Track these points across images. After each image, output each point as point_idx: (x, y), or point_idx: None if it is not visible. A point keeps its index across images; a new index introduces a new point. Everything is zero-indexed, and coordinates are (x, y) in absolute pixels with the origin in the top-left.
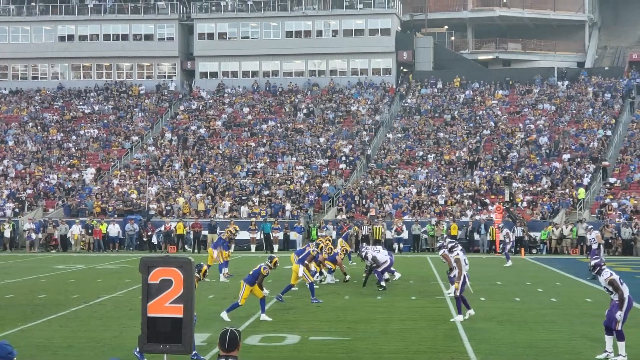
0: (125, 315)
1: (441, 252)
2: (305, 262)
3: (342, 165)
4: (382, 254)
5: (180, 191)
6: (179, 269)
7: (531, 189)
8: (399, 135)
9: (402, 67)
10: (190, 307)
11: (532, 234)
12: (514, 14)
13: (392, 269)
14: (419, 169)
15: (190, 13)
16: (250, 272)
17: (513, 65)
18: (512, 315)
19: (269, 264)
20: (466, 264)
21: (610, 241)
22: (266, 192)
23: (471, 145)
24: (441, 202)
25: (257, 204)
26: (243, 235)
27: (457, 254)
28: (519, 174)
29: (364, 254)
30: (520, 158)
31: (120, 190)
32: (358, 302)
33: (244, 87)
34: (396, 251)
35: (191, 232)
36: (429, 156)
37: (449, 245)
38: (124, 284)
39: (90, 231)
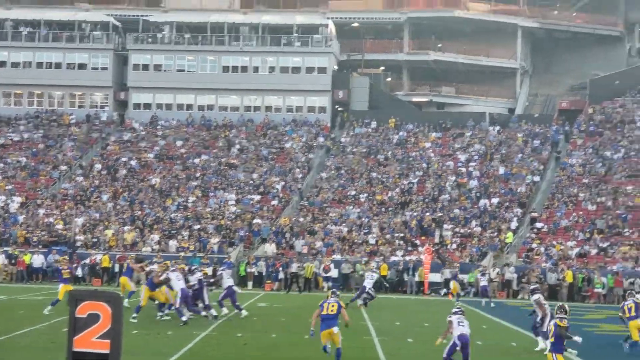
0: (47, 348)
1: (536, 297)
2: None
3: (274, 202)
4: (229, 279)
5: (107, 223)
6: (107, 304)
7: (461, 231)
8: (332, 173)
9: (337, 106)
10: (118, 342)
11: (460, 276)
12: (449, 58)
13: (238, 304)
14: (351, 207)
15: (125, 44)
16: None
17: (446, 108)
18: (439, 357)
19: None
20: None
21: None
22: (196, 227)
23: (403, 186)
24: (372, 241)
25: (186, 238)
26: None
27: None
28: (450, 216)
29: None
30: (451, 200)
31: (46, 220)
32: (285, 340)
33: (178, 120)
34: (325, 289)
35: (117, 265)
36: (361, 195)
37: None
38: (46, 316)
39: (13, 261)
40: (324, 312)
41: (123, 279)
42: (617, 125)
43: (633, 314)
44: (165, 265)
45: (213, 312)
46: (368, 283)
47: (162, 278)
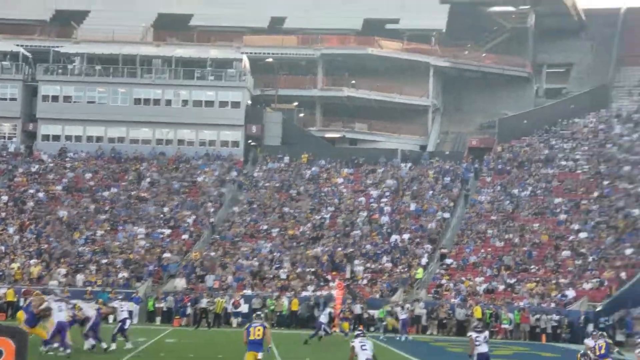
0: None
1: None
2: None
3: (185, 236)
4: (90, 310)
5: (13, 256)
6: (12, 339)
7: (372, 266)
8: (244, 207)
9: (250, 141)
10: None
11: (370, 311)
12: (362, 95)
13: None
14: (263, 242)
15: (35, 74)
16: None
17: (359, 144)
18: None
19: None
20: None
21: (444, 321)
22: (104, 261)
23: (315, 221)
24: (283, 276)
25: (93, 272)
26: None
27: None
28: (361, 251)
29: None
30: (362, 236)
31: None
32: None
33: (88, 152)
34: (234, 325)
35: (22, 299)
36: (273, 230)
37: None
38: None
39: None
40: (251, 337)
41: (20, 314)
42: (524, 163)
43: (603, 351)
44: (41, 297)
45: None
46: (323, 318)
47: (41, 308)
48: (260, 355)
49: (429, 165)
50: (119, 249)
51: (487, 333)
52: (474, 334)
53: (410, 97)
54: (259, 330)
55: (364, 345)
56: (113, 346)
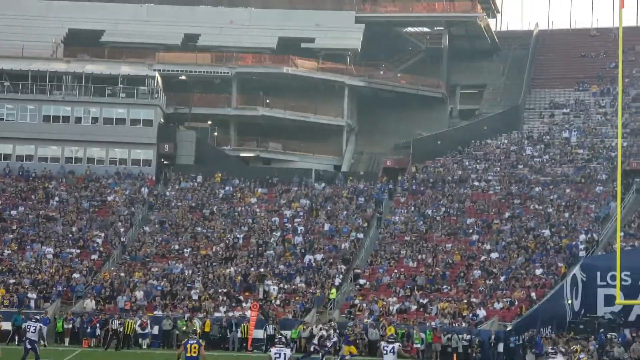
0: None
1: None
2: None
3: (94, 256)
4: None
5: None
6: None
7: (285, 287)
8: (156, 227)
9: (162, 159)
10: None
11: (283, 332)
12: (276, 114)
13: None
14: (174, 262)
15: None
16: None
17: (273, 164)
18: None
19: None
20: None
21: (357, 342)
22: (11, 281)
23: (228, 241)
24: (195, 297)
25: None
26: None
27: None
28: (274, 271)
29: None
30: (275, 256)
31: None
32: None
33: None
34: (144, 346)
35: None
36: (185, 250)
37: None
38: None
39: None
40: (188, 354)
41: None
42: (438, 184)
43: None
44: None
45: None
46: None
47: None
48: None
49: (343, 186)
50: (26, 268)
51: (397, 345)
52: (383, 343)
53: (325, 116)
54: (194, 347)
55: (278, 355)
56: None
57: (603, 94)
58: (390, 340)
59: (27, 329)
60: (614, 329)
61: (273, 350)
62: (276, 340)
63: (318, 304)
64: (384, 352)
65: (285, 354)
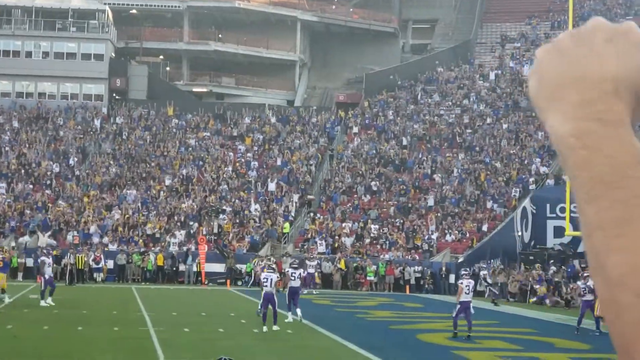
0: None
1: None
2: None
3: (48, 191)
4: None
5: None
6: None
7: (239, 221)
8: (108, 159)
9: (114, 94)
10: None
11: (238, 265)
12: (229, 49)
13: None
14: (128, 195)
15: None
16: None
17: (226, 99)
18: (215, 345)
19: None
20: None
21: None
22: None
23: (182, 175)
24: (149, 231)
25: None
26: None
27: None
28: (228, 205)
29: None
30: (230, 189)
31: None
32: (58, 333)
33: None
34: (98, 280)
35: None
36: (139, 183)
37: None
38: None
39: None
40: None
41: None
42: (391, 118)
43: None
44: None
45: None
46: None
47: None
48: None
49: (296, 121)
50: None
51: (274, 276)
52: (290, 270)
53: (278, 51)
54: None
55: (265, 280)
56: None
57: (554, 27)
58: (294, 265)
59: None
60: (563, 260)
61: (262, 275)
62: (264, 265)
63: (272, 238)
64: (292, 278)
65: (272, 279)
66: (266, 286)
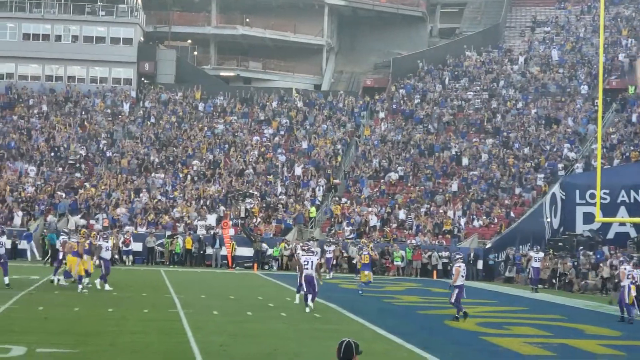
0: None
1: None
2: None
3: (77, 174)
4: None
5: None
6: None
7: (266, 205)
8: (137, 142)
9: (143, 78)
10: None
11: (265, 249)
12: (256, 33)
13: None
14: (156, 178)
15: None
16: None
17: (253, 83)
18: (243, 329)
19: None
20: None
21: (338, 259)
22: None
23: (209, 159)
24: (177, 215)
25: None
26: None
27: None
28: (255, 189)
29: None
30: (256, 174)
31: None
32: (88, 313)
33: None
34: (127, 264)
35: None
36: (167, 166)
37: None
38: None
39: None
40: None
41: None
42: (418, 102)
43: None
44: None
45: None
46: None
47: None
48: None
49: (323, 105)
50: (9, 186)
51: (309, 258)
52: (302, 254)
53: (305, 35)
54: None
55: (306, 262)
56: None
57: (584, 11)
58: (310, 251)
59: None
60: (592, 247)
61: (302, 258)
62: (305, 247)
63: (299, 222)
64: (304, 263)
65: (312, 261)
66: (307, 269)
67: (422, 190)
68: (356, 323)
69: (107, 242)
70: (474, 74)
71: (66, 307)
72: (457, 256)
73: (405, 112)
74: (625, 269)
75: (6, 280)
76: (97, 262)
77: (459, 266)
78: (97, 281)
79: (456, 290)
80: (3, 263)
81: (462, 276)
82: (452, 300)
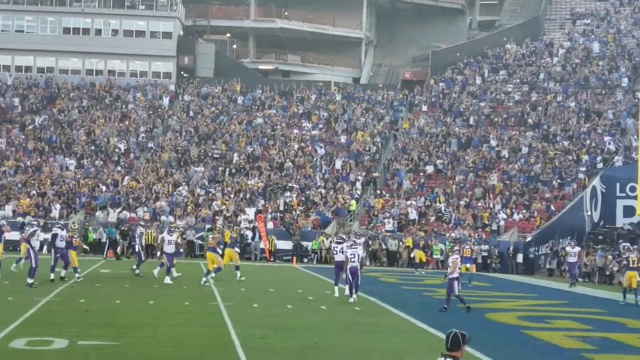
0: None
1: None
2: None
3: (117, 167)
4: None
5: None
6: None
7: (305, 198)
8: (176, 135)
9: (182, 72)
10: None
11: (303, 243)
12: (295, 26)
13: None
14: (195, 171)
15: None
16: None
17: (292, 76)
18: (284, 322)
19: None
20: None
21: (377, 253)
22: (34, 192)
23: (248, 152)
24: (216, 208)
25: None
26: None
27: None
28: (294, 182)
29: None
30: (295, 167)
31: None
32: (129, 306)
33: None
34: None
35: None
36: (206, 159)
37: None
38: None
39: None
40: None
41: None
42: (457, 95)
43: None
44: None
45: None
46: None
47: None
48: None
49: (362, 98)
50: (50, 179)
51: (355, 251)
52: (334, 245)
53: (344, 29)
54: None
55: (353, 256)
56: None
57: (623, 4)
58: (351, 242)
59: (55, 238)
60: (632, 240)
61: (349, 251)
62: (351, 242)
63: (340, 216)
64: (334, 252)
65: (358, 254)
66: (353, 262)
67: (461, 182)
68: (396, 316)
69: (171, 235)
70: (513, 66)
71: (107, 300)
72: (455, 248)
73: (445, 105)
74: None
75: (63, 272)
76: (159, 254)
77: (456, 258)
78: (167, 278)
79: (455, 282)
80: (64, 256)
81: (459, 268)
82: (457, 293)
